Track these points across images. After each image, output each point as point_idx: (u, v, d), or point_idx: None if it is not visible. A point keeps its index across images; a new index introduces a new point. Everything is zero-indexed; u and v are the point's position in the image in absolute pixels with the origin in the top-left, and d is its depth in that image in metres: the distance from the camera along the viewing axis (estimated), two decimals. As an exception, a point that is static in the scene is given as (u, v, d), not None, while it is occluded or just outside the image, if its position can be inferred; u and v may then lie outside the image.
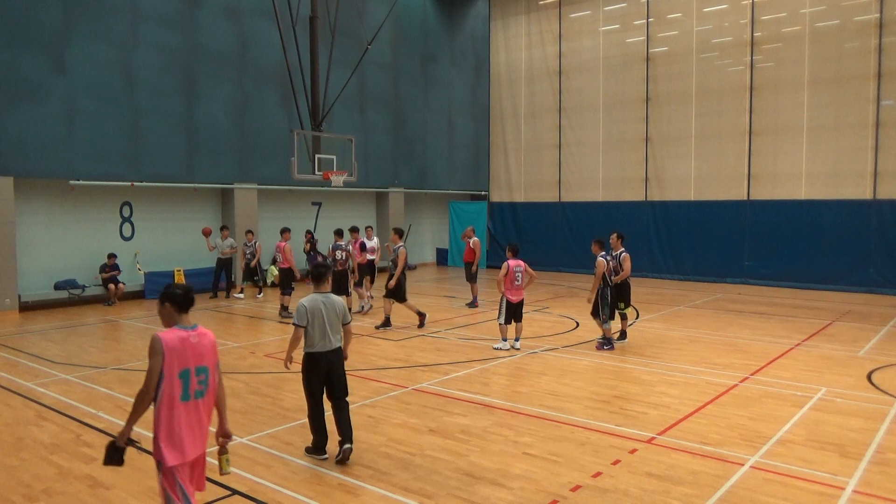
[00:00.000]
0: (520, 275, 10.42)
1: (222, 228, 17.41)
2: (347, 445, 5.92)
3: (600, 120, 22.47)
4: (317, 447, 6.07)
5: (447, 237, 26.41)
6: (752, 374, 8.99)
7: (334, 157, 16.40)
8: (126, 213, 16.92)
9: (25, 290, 14.94)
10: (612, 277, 10.55)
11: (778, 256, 18.89)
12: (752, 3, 19.21)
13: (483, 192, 26.33)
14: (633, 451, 6.16)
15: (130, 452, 6.28)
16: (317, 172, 15.60)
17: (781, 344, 11.00)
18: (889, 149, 17.31)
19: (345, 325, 6.02)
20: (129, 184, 16.18)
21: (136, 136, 16.18)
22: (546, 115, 23.89)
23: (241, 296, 17.15)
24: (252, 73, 18.61)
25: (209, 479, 5.57)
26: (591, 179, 22.82)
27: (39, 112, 14.50)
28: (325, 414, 6.06)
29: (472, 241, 15.51)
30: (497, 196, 25.76)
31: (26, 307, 14.80)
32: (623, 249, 10.89)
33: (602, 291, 10.37)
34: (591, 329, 12.34)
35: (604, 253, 10.46)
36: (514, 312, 10.44)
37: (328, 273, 6.14)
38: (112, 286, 15.77)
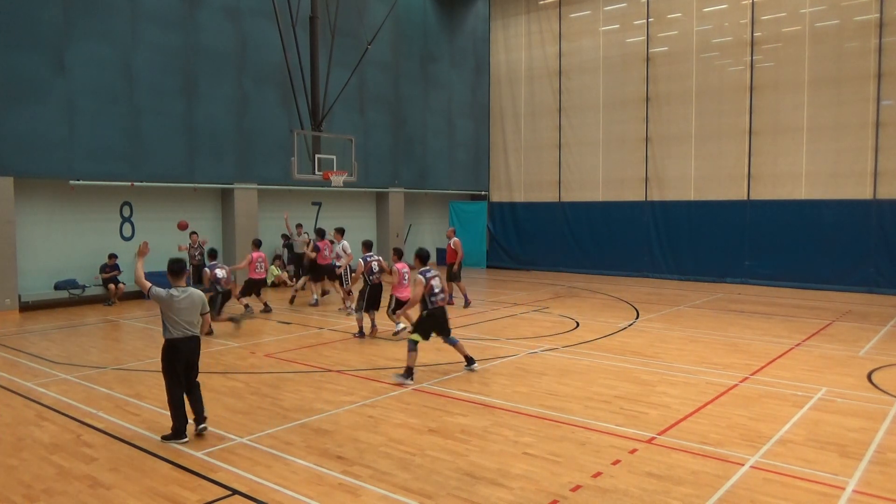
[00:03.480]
0: (406, 274, 11.30)
1: (297, 226, 18.97)
2: (203, 426, 6.59)
3: (600, 120, 22.46)
4: (177, 433, 6.47)
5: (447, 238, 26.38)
6: (752, 374, 8.99)
7: (334, 157, 16.41)
8: (126, 213, 16.92)
9: (25, 290, 14.95)
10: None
11: (778, 256, 18.88)
12: (752, 3, 19.20)
13: (483, 192, 26.32)
14: (633, 451, 6.16)
15: (131, 452, 6.33)
16: (317, 172, 15.61)
17: (782, 344, 11.00)
18: (889, 149, 17.30)
19: (202, 314, 6.70)
20: (129, 184, 16.18)
21: (136, 136, 16.18)
22: (546, 115, 23.87)
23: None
24: (252, 73, 18.61)
25: (209, 479, 5.59)
26: (591, 179, 22.81)
27: (39, 112, 14.51)
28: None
29: (452, 242, 15.44)
30: (497, 196, 25.75)
31: (26, 307, 14.80)
32: (424, 269, 9.16)
33: (362, 289, 11.65)
34: (592, 329, 12.37)
35: (370, 254, 11.94)
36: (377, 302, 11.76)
37: (185, 268, 6.81)
38: (112, 286, 15.77)
